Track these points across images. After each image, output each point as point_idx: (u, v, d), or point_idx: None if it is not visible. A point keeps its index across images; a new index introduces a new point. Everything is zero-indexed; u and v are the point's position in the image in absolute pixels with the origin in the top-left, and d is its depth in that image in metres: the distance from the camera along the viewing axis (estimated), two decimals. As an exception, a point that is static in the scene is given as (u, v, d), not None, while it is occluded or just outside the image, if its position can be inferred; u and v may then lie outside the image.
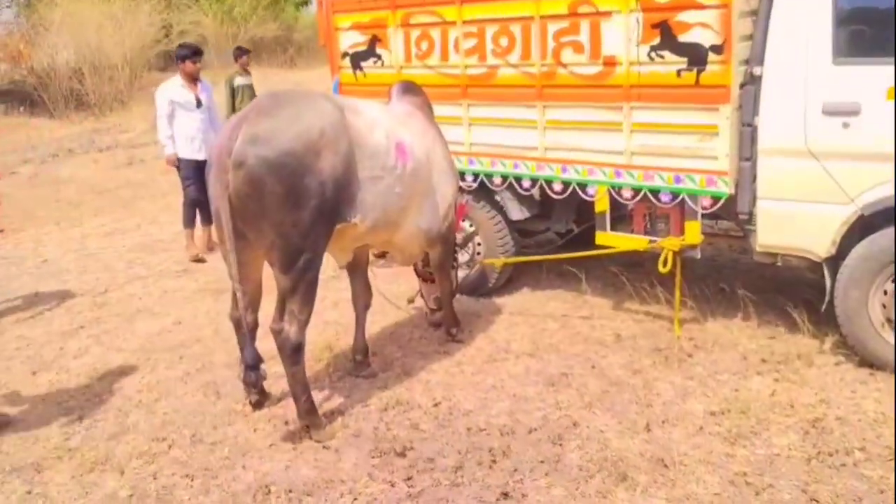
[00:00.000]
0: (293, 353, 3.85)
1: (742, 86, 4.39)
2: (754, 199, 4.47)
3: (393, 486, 3.47)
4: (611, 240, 5.10)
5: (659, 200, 4.76)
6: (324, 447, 3.81)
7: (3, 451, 3.97)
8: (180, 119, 7.15)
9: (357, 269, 4.67)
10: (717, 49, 4.29)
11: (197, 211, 7.29)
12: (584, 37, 4.77)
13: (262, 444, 3.89)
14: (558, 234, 5.90)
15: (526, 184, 5.34)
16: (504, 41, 5.13)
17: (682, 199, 4.66)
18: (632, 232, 5.07)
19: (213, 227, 5.59)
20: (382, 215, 4.14)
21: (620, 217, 5.18)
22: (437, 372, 4.59)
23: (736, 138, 4.41)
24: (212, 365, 4.86)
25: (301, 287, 3.79)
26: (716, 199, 4.54)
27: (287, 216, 3.65)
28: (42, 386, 4.75)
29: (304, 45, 19.72)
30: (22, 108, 17.51)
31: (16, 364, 5.10)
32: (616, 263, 5.71)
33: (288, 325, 3.82)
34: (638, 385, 4.26)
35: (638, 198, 4.84)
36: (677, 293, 4.86)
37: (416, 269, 5.24)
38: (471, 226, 5.67)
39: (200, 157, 6.98)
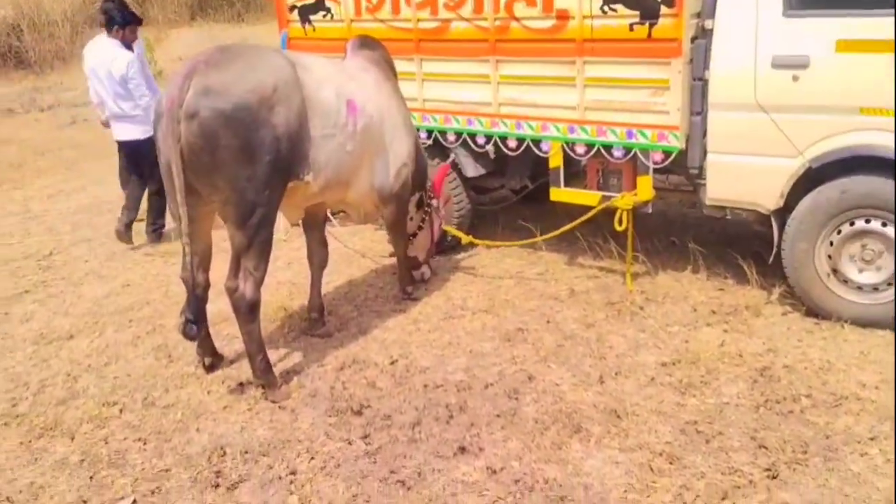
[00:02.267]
0: (249, 310, 3.80)
1: (693, 39, 4.39)
2: (704, 153, 4.51)
3: (350, 444, 3.47)
4: (565, 195, 5.11)
5: (612, 156, 4.77)
6: (279, 407, 3.79)
7: (-52, 420, 3.88)
8: None
9: (313, 227, 4.61)
10: (668, 2, 4.27)
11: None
12: (536, -11, 4.71)
13: (216, 406, 3.85)
14: (513, 190, 5.89)
15: (480, 140, 5.30)
16: (456, -6, 5.04)
17: (635, 154, 4.67)
18: (585, 188, 5.08)
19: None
20: (334, 174, 4.07)
21: (575, 173, 5.19)
22: (394, 330, 4.58)
23: (687, 92, 4.42)
24: (162, 328, 4.78)
25: (256, 243, 3.72)
26: (667, 153, 4.56)
27: (242, 170, 3.56)
28: (-13, 352, 4.63)
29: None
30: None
31: (-42, 330, 4.95)
32: (570, 219, 5.72)
33: (243, 283, 3.76)
34: (591, 338, 4.31)
35: (591, 153, 4.84)
36: (629, 248, 4.90)
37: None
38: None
39: None
